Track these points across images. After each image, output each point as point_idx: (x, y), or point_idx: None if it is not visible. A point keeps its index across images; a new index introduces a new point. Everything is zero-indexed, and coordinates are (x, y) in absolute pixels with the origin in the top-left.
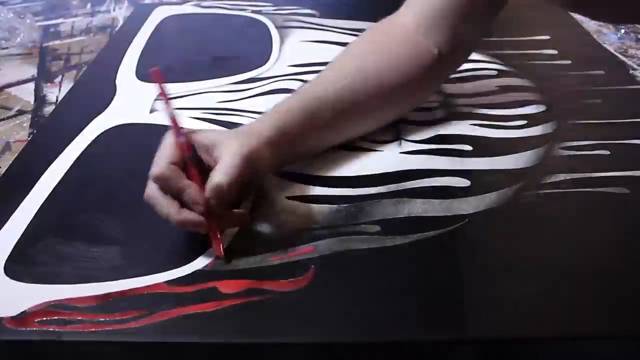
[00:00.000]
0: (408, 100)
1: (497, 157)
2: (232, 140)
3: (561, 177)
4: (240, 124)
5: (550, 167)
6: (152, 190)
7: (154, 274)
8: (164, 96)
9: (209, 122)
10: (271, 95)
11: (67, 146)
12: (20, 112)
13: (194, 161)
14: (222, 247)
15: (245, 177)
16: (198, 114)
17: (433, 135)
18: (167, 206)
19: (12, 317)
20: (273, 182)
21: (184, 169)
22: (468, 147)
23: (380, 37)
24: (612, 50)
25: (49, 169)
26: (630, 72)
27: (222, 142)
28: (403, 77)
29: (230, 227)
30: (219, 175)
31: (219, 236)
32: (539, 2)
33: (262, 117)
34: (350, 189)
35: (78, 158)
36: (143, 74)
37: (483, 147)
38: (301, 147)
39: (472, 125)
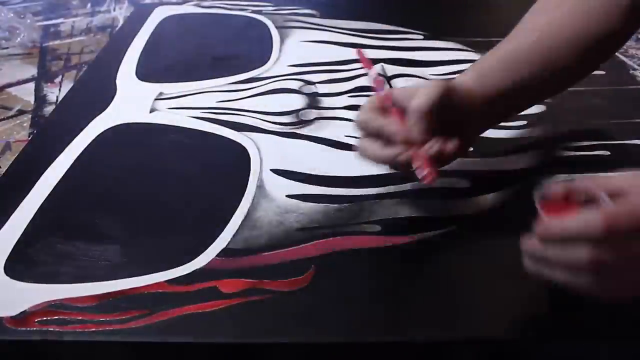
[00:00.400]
0: (598, 55)
1: (497, 158)
2: (427, 83)
3: (561, 177)
4: (241, 124)
5: (550, 167)
6: (359, 142)
7: (154, 273)
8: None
9: (209, 121)
10: (271, 95)
11: (67, 146)
12: (21, 112)
13: (394, 105)
14: (431, 173)
15: (442, 107)
16: (198, 113)
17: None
18: (372, 146)
19: (12, 317)
20: (275, 181)
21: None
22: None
23: None
24: None
25: (49, 168)
26: (631, 72)
27: (417, 89)
28: (592, 29)
29: (440, 155)
30: (417, 100)
31: (429, 162)
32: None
33: (461, 74)
34: (351, 189)
35: (78, 158)
36: (143, 74)
37: (483, 147)
38: (500, 101)
39: None
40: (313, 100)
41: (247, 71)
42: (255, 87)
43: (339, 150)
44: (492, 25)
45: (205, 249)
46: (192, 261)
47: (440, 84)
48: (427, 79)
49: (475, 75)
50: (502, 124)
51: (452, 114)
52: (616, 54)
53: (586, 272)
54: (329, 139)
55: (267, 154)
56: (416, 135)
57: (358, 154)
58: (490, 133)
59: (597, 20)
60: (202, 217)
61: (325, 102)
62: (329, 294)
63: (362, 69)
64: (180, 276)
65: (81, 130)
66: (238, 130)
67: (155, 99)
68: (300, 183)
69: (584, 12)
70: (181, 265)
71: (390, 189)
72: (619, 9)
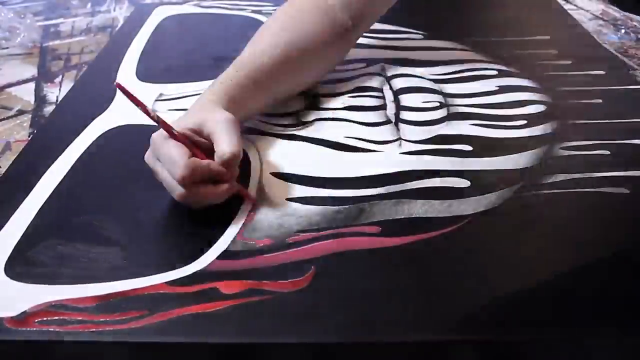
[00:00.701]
0: (323, 67)
1: (497, 158)
2: (214, 114)
3: (561, 177)
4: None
5: (550, 167)
6: (187, 192)
7: (154, 274)
8: (138, 103)
9: None
10: None
11: (67, 146)
12: (21, 112)
13: (196, 145)
14: (247, 193)
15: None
16: None
17: (433, 135)
18: (211, 191)
19: (12, 317)
20: (274, 184)
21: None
22: (468, 148)
23: (295, 14)
24: (612, 50)
25: (49, 169)
26: (630, 72)
27: (206, 120)
28: (316, 47)
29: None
30: (229, 146)
31: (242, 189)
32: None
33: (212, 94)
34: (351, 189)
35: (78, 158)
36: (143, 74)
37: (483, 147)
38: (252, 107)
39: (472, 126)
40: (312, 101)
41: None
42: None
43: (338, 151)
44: (492, 25)
45: (206, 251)
46: (193, 263)
47: (235, 125)
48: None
49: (232, 100)
50: (502, 123)
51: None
52: (616, 54)
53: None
54: (329, 140)
55: (266, 156)
56: (235, 173)
57: (190, 204)
58: (491, 133)
59: (320, 40)
60: (203, 219)
61: (325, 102)
62: (329, 294)
63: (363, 69)
64: (180, 277)
65: (81, 130)
66: None
67: (156, 100)
68: (299, 185)
69: (307, 34)
70: (181, 267)
71: (390, 189)
72: (341, 30)
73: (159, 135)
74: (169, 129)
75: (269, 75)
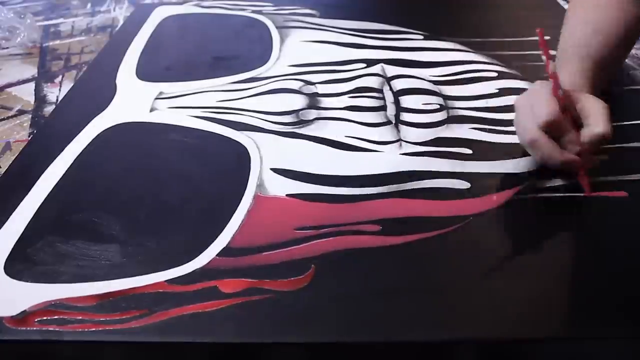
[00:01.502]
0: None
1: (497, 161)
2: (592, 99)
3: (560, 181)
4: (241, 123)
5: (549, 171)
6: (538, 135)
7: (153, 272)
8: (546, 53)
9: (210, 121)
10: (271, 95)
11: (67, 146)
12: (21, 112)
13: (569, 111)
14: (589, 184)
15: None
16: (198, 112)
17: (433, 137)
18: (553, 148)
19: (12, 317)
20: (274, 180)
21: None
22: (468, 151)
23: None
24: None
25: (49, 168)
26: (631, 72)
27: (582, 99)
28: (623, 23)
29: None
30: (600, 126)
31: (588, 178)
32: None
33: (574, 78)
34: (351, 188)
35: (78, 157)
36: (143, 73)
37: (483, 150)
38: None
39: (471, 130)
40: (313, 100)
41: (247, 71)
42: (255, 87)
43: (339, 150)
44: (492, 25)
45: (205, 248)
46: (192, 261)
47: (607, 109)
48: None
49: (595, 85)
50: (502, 128)
51: None
52: None
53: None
54: (329, 139)
55: (267, 153)
56: (587, 154)
57: (531, 145)
58: (490, 137)
59: (615, 34)
60: (202, 216)
61: (326, 102)
62: (329, 293)
63: (363, 69)
64: (180, 276)
65: (81, 130)
66: (238, 130)
67: (156, 99)
68: (300, 182)
69: (607, 13)
70: (181, 265)
71: (391, 188)
72: (634, 23)
73: (538, 85)
74: (557, 82)
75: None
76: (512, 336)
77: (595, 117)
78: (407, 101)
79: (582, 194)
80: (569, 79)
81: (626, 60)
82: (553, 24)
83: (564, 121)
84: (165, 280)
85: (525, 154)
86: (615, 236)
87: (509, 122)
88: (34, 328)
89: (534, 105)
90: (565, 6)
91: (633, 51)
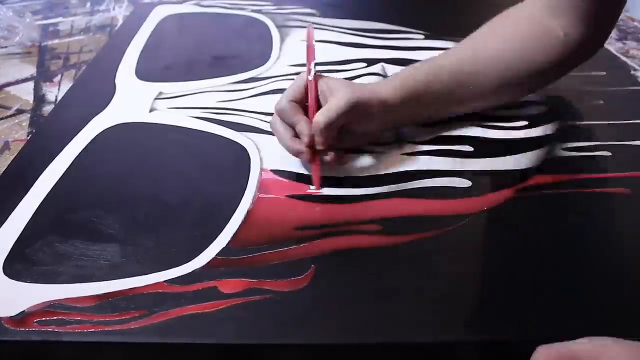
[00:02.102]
0: (524, 85)
1: (498, 158)
2: (346, 88)
3: (562, 178)
4: (242, 125)
5: (551, 168)
6: (274, 120)
7: (153, 272)
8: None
9: (210, 121)
10: (271, 95)
11: (66, 146)
12: (20, 112)
13: (316, 102)
14: (318, 178)
15: (346, 122)
16: (198, 113)
17: (434, 136)
18: (283, 134)
19: (11, 318)
20: (275, 181)
21: (303, 108)
22: (469, 148)
23: (503, 21)
24: (613, 52)
25: (48, 168)
26: (632, 73)
27: (336, 88)
28: (526, 59)
29: (328, 164)
30: (321, 115)
31: (318, 168)
32: None
33: (384, 80)
34: (351, 188)
35: (77, 157)
36: (143, 73)
37: (484, 148)
38: (410, 113)
39: (473, 127)
40: None
41: (248, 71)
42: (255, 87)
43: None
44: None
45: (205, 248)
46: (192, 261)
47: (352, 97)
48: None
49: (396, 96)
50: (503, 124)
51: (358, 120)
52: (617, 54)
53: None
54: None
55: (267, 154)
56: (317, 144)
57: (270, 128)
58: (491, 133)
59: (531, 52)
60: (202, 217)
61: None
62: (330, 294)
63: (363, 69)
64: (179, 276)
65: (80, 130)
66: (238, 131)
67: (155, 99)
68: (300, 183)
69: (514, 42)
70: (181, 265)
71: (391, 188)
72: (553, 42)
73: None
74: (309, 68)
75: (446, 83)
76: (512, 336)
77: (324, 108)
78: None
79: (583, 191)
80: (389, 80)
81: (627, 61)
82: None
83: (295, 109)
84: (165, 281)
85: (527, 150)
86: (618, 234)
87: (510, 119)
88: (33, 329)
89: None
90: None
91: (634, 52)
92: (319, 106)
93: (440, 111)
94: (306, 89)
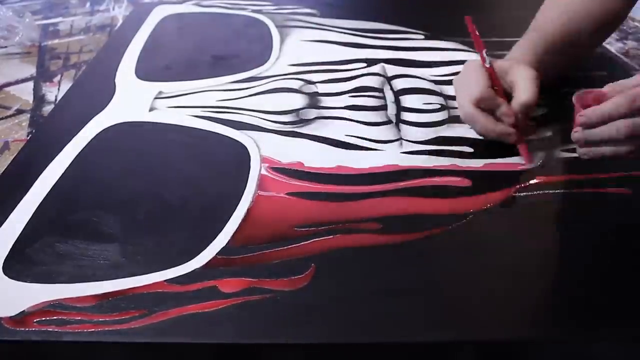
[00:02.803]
0: (607, 31)
1: (498, 159)
2: (522, 67)
3: (562, 178)
4: (241, 123)
5: (551, 168)
6: (472, 111)
7: (153, 272)
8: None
9: (210, 120)
10: (271, 94)
11: (66, 145)
12: (19, 112)
13: (499, 83)
14: (528, 153)
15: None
16: (198, 112)
17: (434, 136)
18: (486, 122)
19: (11, 317)
20: (274, 179)
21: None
22: (469, 149)
23: None
24: (613, 51)
25: (47, 168)
26: (632, 73)
27: (513, 68)
28: (605, 7)
29: (529, 135)
30: (526, 95)
31: (526, 144)
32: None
33: (518, 53)
34: (351, 186)
35: (77, 157)
36: (142, 72)
37: (484, 149)
38: (553, 69)
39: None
40: (313, 100)
41: (247, 70)
42: (255, 87)
43: (339, 149)
44: (492, 25)
45: (205, 247)
46: (192, 260)
47: (535, 74)
48: (426, 79)
49: (538, 59)
50: None
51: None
52: (618, 54)
53: (625, 141)
54: (329, 138)
55: (267, 152)
56: (522, 124)
57: (468, 121)
58: None
59: (599, 14)
60: (202, 216)
61: (326, 101)
62: (329, 293)
63: (363, 69)
64: (179, 275)
65: (80, 129)
66: (238, 129)
67: (155, 98)
68: (300, 181)
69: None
70: (181, 264)
71: (391, 186)
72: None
73: (471, 62)
74: (482, 56)
75: (560, 41)
76: (512, 336)
77: (521, 87)
78: (407, 101)
79: (583, 191)
80: (517, 50)
81: (627, 61)
82: None
83: (494, 95)
84: (165, 280)
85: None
86: (618, 234)
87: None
88: (33, 328)
89: (466, 83)
90: None
91: (634, 52)
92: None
93: (561, 67)
94: (492, 76)
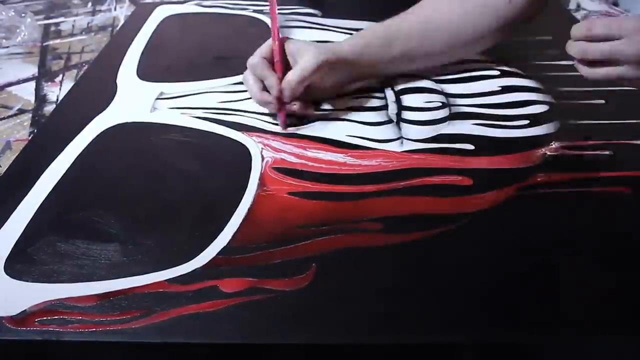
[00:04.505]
0: (473, 46)
1: (499, 157)
2: (313, 49)
3: (563, 177)
4: (242, 124)
5: (552, 167)
6: (246, 74)
7: (154, 271)
8: (273, 9)
9: (210, 121)
10: None
11: (67, 145)
12: (21, 111)
13: (281, 60)
14: (284, 120)
15: (313, 80)
16: (200, 113)
17: (435, 134)
18: (253, 86)
19: (12, 317)
20: (276, 179)
21: (271, 64)
22: (470, 147)
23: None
24: None
25: (49, 167)
26: None
27: (304, 50)
28: (473, 23)
29: (293, 112)
30: (292, 73)
31: (284, 114)
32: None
33: (346, 39)
34: (352, 186)
35: (78, 157)
36: (144, 73)
37: (485, 146)
38: (371, 70)
39: (474, 125)
40: (314, 101)
41: None
42: None
43: (339, 149)
44: None
45: (206, 247)
46: (193, 260)
47: (315, 60)
48: (428, 79)
49: (356, 55)
50: (503, 123)
51: (321, 83)
52: None
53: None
54: (330, 139)
55: (268, 151)
56: (285, 98)
57: (243, 80)
58: (492, 133)
59: (472, 19)
60: (203, 216)
61: (326, 103)
62: (330, 293)
63: None
64: (180, 275)
65: (81, 129)
66: (239, 130)
67: (156, 99)
68: (301, 181)
69: (461, 10)
70: (181, 264)
71: (392, 186)
72: (498, 5)
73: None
74: (274, 32)
75: (401, 45)
76: (512, 337)
77: (296, 67)
78: (408, 100)
79: (584, 190)
80: (357, 33)
81: None
82: (555, 24)
83: (267, 66)
84: (166, 280)
85: (527, 149)
86: (619, 233)
87: (512, 118)
88: (34, 328)
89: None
90: (567, 6)
91: None
92: (285, 64)
93: (395, 67)
94: (273, 49)
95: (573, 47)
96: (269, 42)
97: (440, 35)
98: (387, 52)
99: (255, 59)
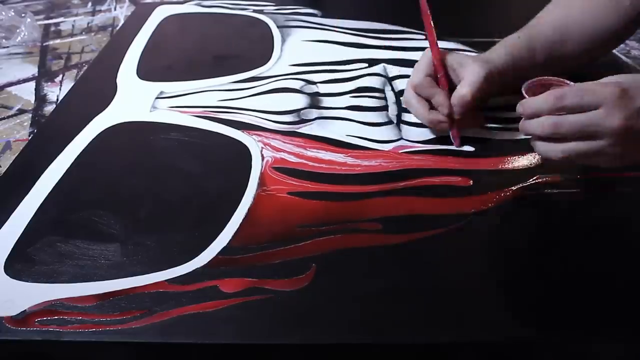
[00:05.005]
0: (602, 49)
1: (500, 158)
2: (475, 64)
3: (563, 177)
4: (242, 123)
5: (552, 167)
6: (408, 95)
7: (154, 271)
8: (427, 17)
9: (211, 120)
10: (272, 94)
11: (67, 145)
12: (21, 111)
13: (445, 75)
14: (458, 138)
15: (481, 94)
16: (199, 112)
17: (435, 136)
18: (420, 107)
19: (12, 317)
20: (276, 178)
21: (435, 80)
22: (470, 148)
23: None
24: (614, 51)
25: (49, 167)
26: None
27: (466, 64)
28: (601, 25)
29: (465, 127)
30: (465, 89)
31: (458, 131)
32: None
33: (494, 49)
34: (352, 186)
35: (78, 157)
36: (144, 72)
37: (485, 147)
38: (517, 81)
39: (474, 127)
40: (314, 100)
41: (249, 70)
42: (256, 87)
43: (340, 149)
44: (492, 25)
45: (206, 247)
46: (193, 260)
47: (483, 73)
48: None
49: (510, 59)
50: (505, 124)
51: (484, 95)
52: (619, 55)
53: (549, 139)
54: (330, 138)
55: (268, 150)
56: (457, 116)
57: (405, 104)
58: (491, 133)
59: (602, 18)
60: (203, 215)
61: (327, 101)
62: (330, 293)
63: (364, 69)
64: (180, 275)
65: (81, 129)
66: (239, 129)
67: (156, 98)
68: (301, 181)
69: (591, 11)
70: (181, 264)
71: (392, 186)
72: (619, 11)
73: (427, 50)
74: (432, 45)
75: (544, 51)
76: (512, 337)
77: (464, 81)
78: None
79: (583, 190)
80: (498, 46)
81: (628, 61)
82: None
83: (432, 83)
84: (166, 280)
85: (528, 150)
86: (619, 233)
87: (512, 120)
88: (34, 328)
89: (414, 70)
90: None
91: (635, 52)
92: (449, 79)
93: (539, 74)
94: (435, 64)
95: (539, 124)
96: (426, 57)
97: (576, 37)
98: (532, 61)
99: (419, 78)
